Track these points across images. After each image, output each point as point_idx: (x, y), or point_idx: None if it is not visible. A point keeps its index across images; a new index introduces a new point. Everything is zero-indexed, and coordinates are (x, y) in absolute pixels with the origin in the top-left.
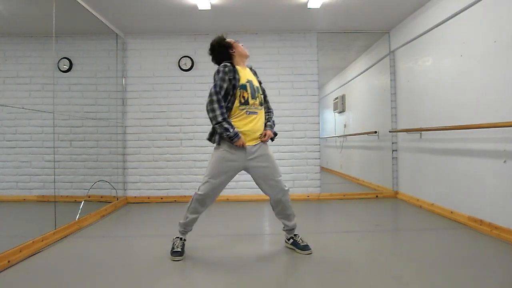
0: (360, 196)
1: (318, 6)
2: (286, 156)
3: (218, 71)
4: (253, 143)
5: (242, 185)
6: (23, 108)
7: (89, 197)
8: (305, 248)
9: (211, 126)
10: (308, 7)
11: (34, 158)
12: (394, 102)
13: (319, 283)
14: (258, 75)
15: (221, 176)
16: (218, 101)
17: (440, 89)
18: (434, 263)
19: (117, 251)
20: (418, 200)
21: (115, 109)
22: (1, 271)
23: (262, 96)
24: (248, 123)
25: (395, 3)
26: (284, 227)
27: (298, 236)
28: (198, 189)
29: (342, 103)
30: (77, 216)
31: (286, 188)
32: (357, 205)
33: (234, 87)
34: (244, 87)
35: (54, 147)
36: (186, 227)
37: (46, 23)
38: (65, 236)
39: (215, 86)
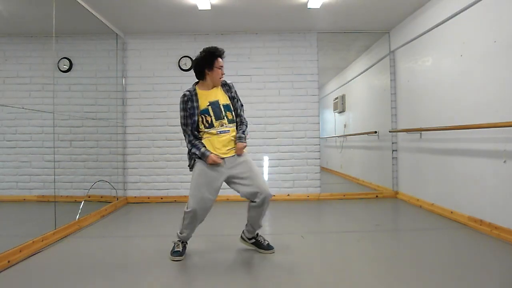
0: (360, 196)
1: (318, 6)
2: (286, 156)
3: (180, 101)
4: (230, 154)
5: None
6: (23, 108)
7: (89, 197)
8: (269, 247)
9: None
10: (308, 7)
11: (34, 158)
12: (394, 102)
13: (319, 283)
14: (234, 88)
15: (205, 189)
16: (184, 131)
17: (440, 89)
18: (434, 263)
19: (117, 251)
20: (418, 200)
21: (115, 109)
22: (1, 271)
23: (232, 113)
24: (220, 140)
25: (395, 3)
26: (247, 228)
27: (260, 236)
28: (186, 206)
29: (342, 103)
30: (77, 216)
31: (271, 194)
32: (357, 205)
33: (193, 115)
34: (205, 111)
35: (54, 147)
36: (185, 238)
37: (46, 23)
38: (65, 236)
39: (180, 116)
